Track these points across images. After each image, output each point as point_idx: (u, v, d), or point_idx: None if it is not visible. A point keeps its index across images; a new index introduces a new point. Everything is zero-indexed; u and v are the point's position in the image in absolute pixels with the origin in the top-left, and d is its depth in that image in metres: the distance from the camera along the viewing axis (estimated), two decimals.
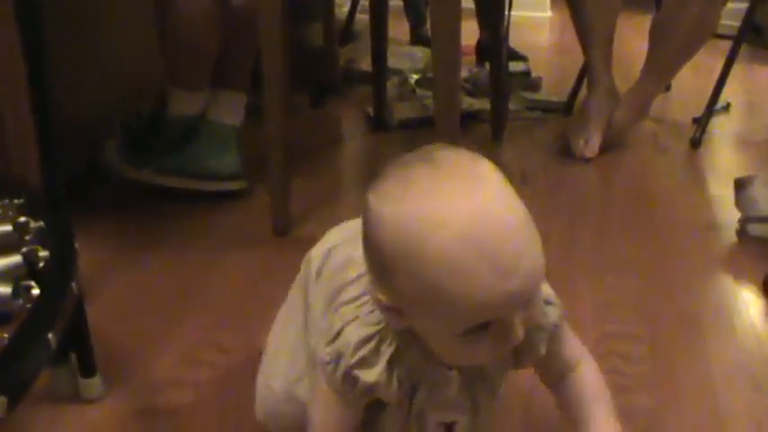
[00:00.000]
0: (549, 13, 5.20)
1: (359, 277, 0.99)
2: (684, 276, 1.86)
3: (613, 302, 1.73)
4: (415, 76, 3.08)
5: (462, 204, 0.81)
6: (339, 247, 1.11)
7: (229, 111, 2.22)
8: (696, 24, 2.57)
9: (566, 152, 2.60)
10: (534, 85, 3.24)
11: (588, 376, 1.08)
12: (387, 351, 0.95)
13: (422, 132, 2.71)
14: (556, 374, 1.08)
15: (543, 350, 1.00)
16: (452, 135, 1.84)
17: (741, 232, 2.03)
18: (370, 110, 2.86)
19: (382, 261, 0.86)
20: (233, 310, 1.68)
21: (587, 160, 2.56)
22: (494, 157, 2.35)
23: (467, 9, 2.88)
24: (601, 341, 1.57)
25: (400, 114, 2.83)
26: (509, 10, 2.86)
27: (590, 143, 2.57)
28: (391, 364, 0.95)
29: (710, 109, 2.78)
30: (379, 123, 2.80)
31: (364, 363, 0.96)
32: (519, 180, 2.44)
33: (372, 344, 0.95)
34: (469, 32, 3.19)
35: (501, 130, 2.73)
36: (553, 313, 1.01)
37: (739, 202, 2.04)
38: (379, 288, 0.89)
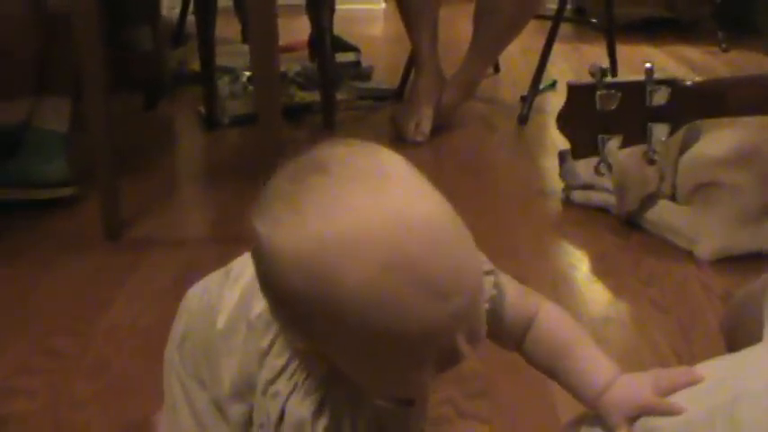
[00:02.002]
0: (382, 5, 5.27)
1: (274, 342, 0.83)
2: (514, 241, 1.93)
3: None
4: (247, 73, 3.08)
5: (375, 217, 0.67)
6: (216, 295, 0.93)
7: (54, 117, 2.18)
8: (517, 7, 2.65)
9: (398, 137, 2.65)
10: (365, 75, 3.28)
11: (553, 318, 0.92)
12: (342, 412, 0.82)
13: (253, 128, 2.72)
14: (517, 334, 0.92)
15: (484, 331, 0.81)
16: (275, 128, 1.87)
17: (566, 199, 2.12)
18: (202, 108, 2.85)
19: (291, 306, 0.71)
20: (66, 315, 1.66)
21: (419, 143, 2.61)
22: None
23: (298, 5, 2.93)
24: None
25: (232, 111, 2.83)
26: (334, 3, 2.90)
27: (420, 126, 2.63)
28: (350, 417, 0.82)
29: (536, 87, 2.88)
30: (210, 122, 2.80)
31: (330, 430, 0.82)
32: None
33: (326, 411, 0.82)
34: (302, 28, 3.22)
35: (332, 120, 2.77)
36: (489, 282, 0.87)
37: (563, 173, 2.13)
38: (295, 335, 0.76)
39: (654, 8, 4.37)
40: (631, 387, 0.83)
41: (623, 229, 1.97)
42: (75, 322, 1.62)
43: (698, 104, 1.15)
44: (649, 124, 1.16)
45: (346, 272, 0.65)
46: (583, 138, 1.20)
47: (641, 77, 1.18)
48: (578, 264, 1.89)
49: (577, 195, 2.10)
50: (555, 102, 3.13)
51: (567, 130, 1.24)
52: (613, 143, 1.25)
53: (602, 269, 1.85)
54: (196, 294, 0.99)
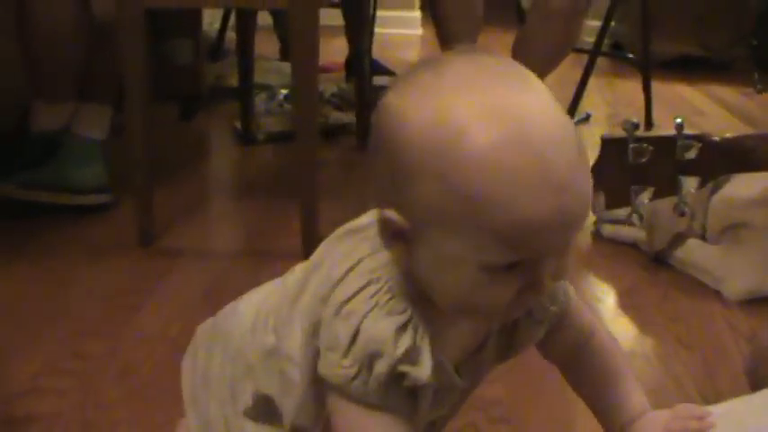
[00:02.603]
0: (420, 31, 5.31)
1: (351, 269, 0.79)
2: None
3: None
4: (284, 91, 3.12)
5: (512, 98, 0.69)
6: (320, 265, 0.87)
7: (93, 124, 2.22)
8: (557, 40, 2.67)
9: None
10: None
11: (607, 343, 0.93)
12: (425, 342, 0.77)
13: (288, 145, 2.75)
14: (568, 346, 0.92)
15: (542, 333, 0.87)
16: (311, 146, 1.90)
17: (595, 233, 2.13)
18: (238, 124, 2.88)
19: (403, 164, 0.71)
20: (96, 319, 1.68)
21: None
22: (360, 167, 2.41)
23: (337, 27, 2.96)
24: None
25: (267, 128, 2.86)
26: (373, 27, 2.94)
27: None
28: (434, 354, 0.77)
29: (570, 119, 2.89)
30: (245, 137, 2.83)
31: (411, 356, 0.76)
32: None
33: (409, 333, 0.76)
34: (340, 49, 3.26)
35: (366, 142, 2.78)
36: (559, 287, 0.87)
37: (594, 206, 2.14)
38: (391, 201, 0.73)
39: (690, 46, 4.38)
40: (647, 425, 0.86)
41: (651, 265, 1.97)
42: (105, 326, 1.64)
43: (726, 160, 1.20)
44: (679, 177, 1.19)
45: (472, 132, 0.67)
46: (615, 189, 1.23)
47: (672, 132, 1.21)
48: (605, 297, 1.90)
49: (606, 229, 2.10)
50: (588, 135, 3.14)
51: (600, 182, 1.26)
52: (645, 195, 1.28)
53: (628, 303, 1.85)
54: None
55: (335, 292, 0.78)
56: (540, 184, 0.67)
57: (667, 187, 1.17)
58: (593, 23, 3.10)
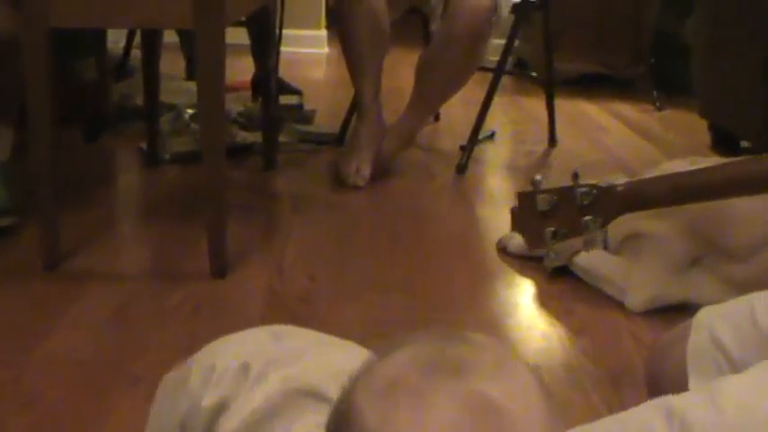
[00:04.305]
0: (326, 50, 5.32)
1: None
2: (450, 290, 1.97)
3: (379, 319, 1.81)
4: (190, 111, 3.10)
5: None
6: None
7: None
8: (460, 62, 2.72)
9: (338, 181, 2.68)
10: (307, 118, 3.31)
11: None
12: None
13: (195, 165, 2.74)
14: None
15: None
16: (218, 166, 1.89)
17: (503, 249, 2.16)
18: (144, 144, 2.86)
19: None
20: (1, 345, 1.65)
21: (358, 188, 2.65)
22: (267, 187, 2.40)
23: (243, 45, 2.96)
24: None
25: (174, 148, 2.84)
26: (279, 45, 2.94)
27: (360, 171, 2.67)
28: None
29: (475, 137, 2.93)
30: (151, 157, 2.81)
31: None
32: (291, 209, 2.51)
33: None
34: (246, 68, 3.25)
35: (273, 162, 2.79)
36: None
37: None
38: None
39: (592, 65, 4.48)
40: None
41: (557, 277, 2.01)
42: (10, 352, 1.61)
43: (620, 202, 1.38)
44: (582, 219, 1.38)
45: None
46: (532, 233, 1.43)
47: (569, 184, 1.39)
48: (513, 312, 1.93)
49: (513, 245, 2.14)
50: (493, 152, 3.20)
51: (519, 228, 1.47)
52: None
53: (535, 318, 1.89)
54: (197, 380, 0.92)
55: None
56: None
57: (573, 228, 1.36)
58: (498, 42, 3.16)
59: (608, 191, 1.34)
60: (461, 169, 2.86)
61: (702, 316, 1.15)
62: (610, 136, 3.57)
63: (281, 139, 2.97)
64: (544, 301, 1.94)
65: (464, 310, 1.89)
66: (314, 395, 0.81)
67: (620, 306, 1.89)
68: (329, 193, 2.63)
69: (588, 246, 1.44)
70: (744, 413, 0.77)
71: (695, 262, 1.90)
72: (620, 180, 1.47)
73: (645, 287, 1.88)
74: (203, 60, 1.89)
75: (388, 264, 2.11)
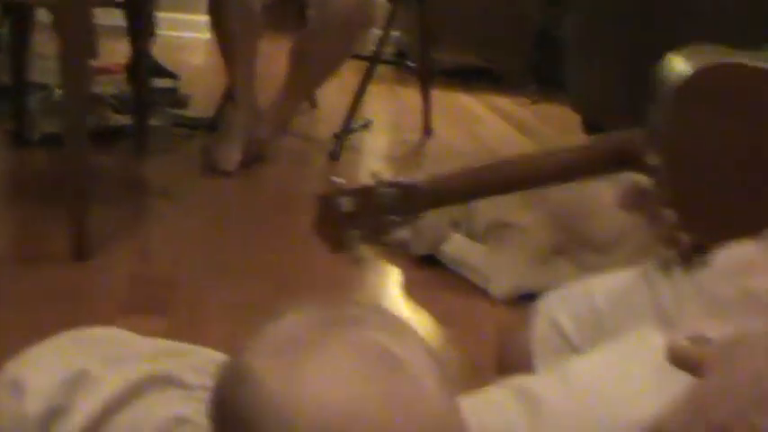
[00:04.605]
0: (206, 35, 5.24)
1: None
2: (316, 276, 1.97)
3: (244, 304, 1.80)
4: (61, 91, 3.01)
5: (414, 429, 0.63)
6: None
7: None
8: (333, 50, 2.72)
9: (209, 166, 2.65)
10: (181, 103, 3.26)
11: None
12: None
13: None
14: None
15: None
16: (80, 149, 1.85)
17: None
18: (11, 125, 2.77)
19: None
20: None
21: (229, 174, 2.62)
22: (136, 171, 2.35)
23: (120, 27, 2.89)
24: (227, 339, 1.62)
25: (43, 129, 2.76)
26: (155, 28, 2.90)
27: (232, 157, 2.64)
28: None
29: (348, 125, 2.93)
30: (18, 138, 2.73)
31: None
32: (159, 193, 2.48)
33: None
34: (123, 51, 3.19)
35: (144, 145, 2.75)
36: None
37: None
38: None
39: (471, 57, 4.52)
40: None
41: (423, 264, 2.03)
42: None
43: (424, 199, 1.35)
44: (386, 218, 1.34)
45: None
46: (335, 237, 1.37)
47: (371, 183, 1.37)
48: (378, 299, 1.94)
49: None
50: (368, 141, 3.20)
51: (321, 233, 1.40)
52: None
53: (400, 305, 1.90)
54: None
55: None
56: None
57: (376, 228, 1.33)
58: (376, 31, 3.16)
59: (410, 188, 1.32)
60: (334, 156, 2.86)
61: (545, 302, 1.17)
62: (485, 127, 3.62)
63: (154, 122, 2.91)
64: (410, 288, 1.96)
65: (322, 288, 1.89)
66: (170, 382, 0.78)
67: (484, 294, 1.92)
68: (200, 179, 2.60)
69: (394, 246, 1.42)
70: (589, 392, 0.78)
71: (558, 251, 1.94)
72: (422, 176, 1.46)
73: (508, 276, 1.91)
74: (66, 38, 1.85)
75: (256, 249, 2.10)
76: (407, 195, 1.31)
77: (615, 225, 1.90)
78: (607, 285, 1.13)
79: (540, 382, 0.84)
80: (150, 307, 1.78)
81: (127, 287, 1.85)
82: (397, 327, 0.69)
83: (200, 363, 0.81)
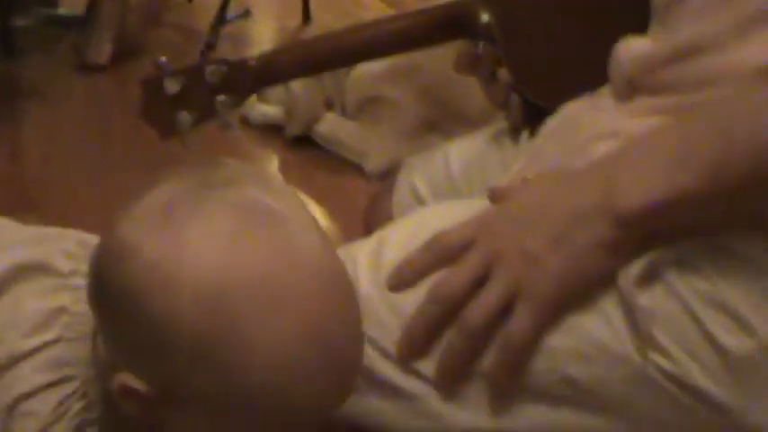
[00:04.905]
0: None
1: (41, 347, 0.68)
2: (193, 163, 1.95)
3: (121, 196, 1.77)
4: None
5: (293, 275, 0.61)
6: None
7: None
8: None
9: (81, 62, 2.58)
10: (51, 1, 3.16)
11: None
12: None
13: None
14: None
15: None
16: None
17: (245, 119, 2.14)
18: None
19: (161, 338, 0.60)
20: None
21: (102, 68, 2.56)
22: (3, 73, 2.25)
23: None
24: (101, 228, 1.60)
25: None
26: None
27: (103, 50, 2.58)
28: None
29: (222, 15, 2.86)
30: None
31: None
32: (28, 93, 2.41)
33: None
34: None
35: (11, 47, 2.66)
36: None
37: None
38: (130, 363, 0.63)
39: None
40: None
41: (297, 145, 2.02)
42: None
43: (254, 77, 1.30)
44: (216, 98, 1.30)
45: (266, 325, 0.59)
46: (163, 120, 1.32)
47: (198, 61, 1.33)
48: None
49: (255, 115, 2.12)
50: (247, 30, 3.15)
51: (149, 119, 1.30)
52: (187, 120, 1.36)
53: None
54: None
55: (15, 374, 0.68)
56: (332, 381, 0.63)
57: (207, 110, 1.28)
58: None
59: (239, 66, 1.27)
60: (210, 47, 2.80)
61: (406, 169, 1.18)
62: (367, 12, 3.58)
63: (21, 22, 2.82)
64: (285, 169, 1.96)
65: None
66: (41, 269, 0.73)
67: (359, 171, 1.93)
68: (71, 76, 2.53)
69: (224, 127, 1.38)
70: (415, 222, 0.80)
71: (430, 126, 1.95)
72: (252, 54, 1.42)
73: (382, 151, 1.92)
74: None
75: (128, 143, 2.07)
76: (237, 74, 1.25)
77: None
78: (462, 149, 1.14)
79: (392, 229, 0.85)
80: (21, 205, 1.75)
81: None
82: (274, 184, 0.68)
83: (71, 247, 0.77)
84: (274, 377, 0.60)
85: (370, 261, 0.77)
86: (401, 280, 0.73)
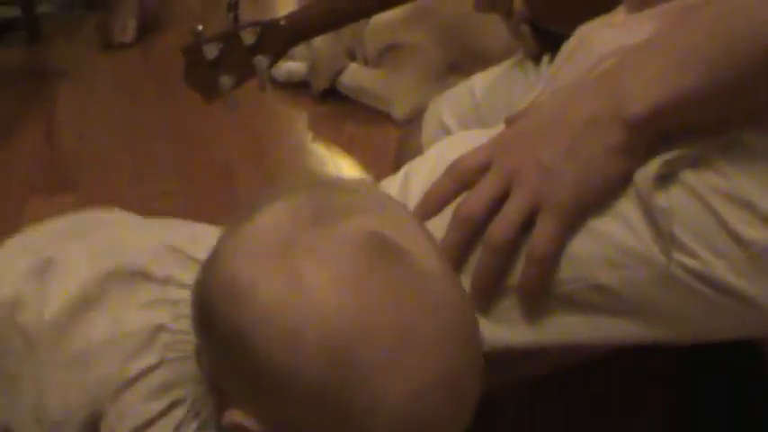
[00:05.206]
0: None
1: (146, 372, 0.66)
2: (219, 128, 1.98)
3: (156, 166, 1.82)
4: None
5: (422, 324, 0.58)
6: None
7: None
8: None
9: (106, 43, 2.62)
10: None
11: None
12: None
13: None
14: None
15: None
16: None
17: (272, 78, 2.16)
18: None
19: (282, 386, 0.58)
20: None
21: (127, 45, 2.59)
22: (32, 58, 2.27)
23: None
24: (138, 200, 1.65)
25: None
26: None
27: (127, 28, 2.61)
28: None
29: None
30: None
31: None
32: (57, 76, 2.45)
33: None
34: None
35: (37, 34, 2.71)
36: None
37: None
38: (244, 401, 0.61)
39: None
40: None
41: (326, 100, 2.05)
42: None
43: (286, 34, 1.35)
44: (254, 58, 1.34)
45: (389, 383, 0.56)
46: (207, 85, 1.36)
47: (232, 26, 1.37)
48: (285, 134, 1.96)
49: (280, 73, 2.14)
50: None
51: (193, 85, 1.37)
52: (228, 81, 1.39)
53: (308, 138, 1.93)
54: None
55: (124, 404, 0.66)
56: (451, 420, 0.60)
57: (246, 71, 1.33)
58: None
59: (272, 26, 1.31)
60: (232, 9, 2.81)
61: (433, 105, 1.20)
62: None
63: (44, 9, 2.86)
64: (314, 123, 1.98)
65: (236, 147, 1.91)
66: (137, 275, 0.70)
67: (387, 118, 1.95)
68: (98, 55, 2.58)
69: (261, 87, 1.42)
70: (443, 155, 0.82)
71: (452, 68, 1.96)
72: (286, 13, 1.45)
73: (407, 96, 1.93)
74: None
75: (157, 114, 2.10)
76: (269, 34, 1.31)
77: (506, 36, 1.91)
78: (486, 78, 1.17)
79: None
80: (61, 186, 1.79)
81: (32, 168, 1.86)
82: (390, 207, 0.64)
83: (156, 245, 0.73)
84: (402, 427, 0.57)
85: (398, 195, 0.79)
86: (427, 209, 0.75)
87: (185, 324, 0.65)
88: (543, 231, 0.69)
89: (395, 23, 1.90)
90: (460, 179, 0.74)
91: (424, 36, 1.93)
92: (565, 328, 0.71)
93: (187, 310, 0.64)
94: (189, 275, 0.66)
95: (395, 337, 0.56)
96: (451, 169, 0.74)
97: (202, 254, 0.64)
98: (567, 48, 0.93)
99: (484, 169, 0.72)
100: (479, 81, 1.17)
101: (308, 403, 0.57)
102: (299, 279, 0.57)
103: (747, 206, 0.68)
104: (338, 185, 0.67)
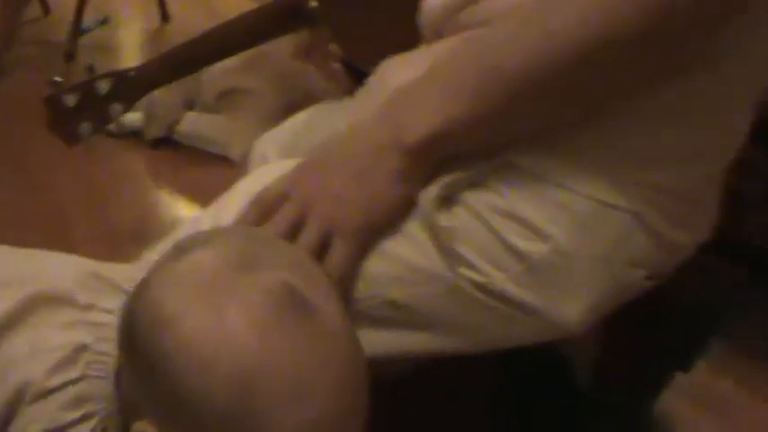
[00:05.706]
0: None
1: (64, 385, 0.71)
2: (62, 167, 1.98)
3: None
4: None
5: (328, 372, 0.65)
6: None
7: None
8: None
9: None
10: None
11: None
12: None
13: None
14: None
15: None
16: None
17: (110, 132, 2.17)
18: None
19: (191, 408, 0.63)
20: None
21: None
22: None
23: None
24: None
25: None
26: None
27: None
28: None
29: (77, 26, 2.88)
30: None
31: None
32: None
33: None
34: None
35: None
36: None
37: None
38: (157, 420, 0.66)
39: None
40: None
41: (160, 146, 2.07)
42: None
43: (137, 84, 1.44)
44: (109, 107, 1.44)
45: (282, 418, 0.63)
46: (68, 131, 1.43)
47: (86, 78, 1.43)
48: (122, 181, 1.96)
49: (117, 125, 2.14)
50: (108, 36, 3.14)
51: (56, 131, 1.45)
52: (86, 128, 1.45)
53: (147, 184, 1.94)
54: None
55: (40, 409, 0.70)
56: None
57: (102, 117, 1.44)
58: None
59: (123, 76, 1.40)
60: (69, 57, 2.82)
61: (257, 141, 1.25)
62: (223, 4, 3.59)
63: None
64: (153, 169, 1.99)
65: (71, 195, 1.91)
66: (59, 300, 0.75)
67: (225, 160, 1.97)
68: None
69: (120, 129, 1.48)
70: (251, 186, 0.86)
71: (288, 109, 2.00)
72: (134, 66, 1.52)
73: (244, 137, 1.97)
74: None
75: (5, 161, 2.08)
76: (122, 83, 1.40)
77: None
78: (309, 111, 1.22)
79: None
80: None
81: None
82: (307, 265, 0.71)
83: (86, 278, 0.78)
84: None
85: (211, 224, 0.84)
86: None
87: (107, 347, 0.72)
88: (336, 253, 0.75)
89: (229, 70, 1.95)
90: (263, 210, 0.79)
91: (260, 80, 1.98)
92: (370, 343, 0.75)
93: (110, 333, 0.71)
94: (113, 302, 0.74)
95: (293, 377, 0.63)
96: (255, 201, 0.79)
97: (127, 283, 0.72)
98: (369, 82, 0.99)
99: (284, 199, 0.77)
100: (302, 115, 1.22)
101: (214, 426, 0.63)
102: (220, 316, 0.63)
103: (522, 222, 0.74)
104: (266, 240, 0.74)
